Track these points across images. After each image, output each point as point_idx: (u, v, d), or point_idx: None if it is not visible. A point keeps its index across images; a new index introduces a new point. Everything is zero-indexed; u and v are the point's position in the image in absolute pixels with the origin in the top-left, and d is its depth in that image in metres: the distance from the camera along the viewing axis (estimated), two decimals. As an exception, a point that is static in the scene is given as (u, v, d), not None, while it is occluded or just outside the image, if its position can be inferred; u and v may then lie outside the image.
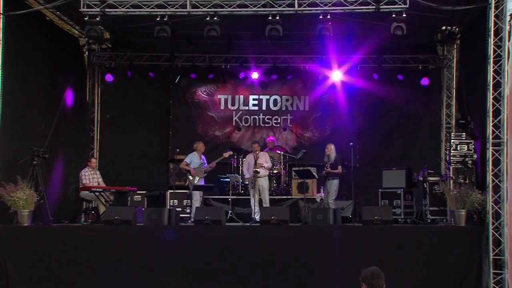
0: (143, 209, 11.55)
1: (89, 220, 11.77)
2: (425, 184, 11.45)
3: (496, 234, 9.25)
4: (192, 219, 11.52)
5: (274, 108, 15.09)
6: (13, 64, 10.56)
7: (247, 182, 12.72)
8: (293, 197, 13.18)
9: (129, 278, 9.69)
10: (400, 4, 9.91)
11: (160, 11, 10.35)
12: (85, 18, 10.48)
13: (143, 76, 14.69)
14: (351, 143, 12.48)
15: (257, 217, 11.43)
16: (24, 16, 10.52)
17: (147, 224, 10.34)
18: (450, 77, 14.15)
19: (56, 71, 12.42)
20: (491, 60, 9.49)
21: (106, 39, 13.39)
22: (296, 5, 10.07)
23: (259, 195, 12.04)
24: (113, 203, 11.55)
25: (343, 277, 9.14)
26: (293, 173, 13.26)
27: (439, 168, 13.31)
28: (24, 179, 10.08)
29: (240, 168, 13.48)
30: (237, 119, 15.07)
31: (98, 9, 10.25)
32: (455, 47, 13.83)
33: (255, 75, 14.59)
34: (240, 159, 13.61)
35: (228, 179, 13.34)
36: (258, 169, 11.93)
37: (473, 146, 10.93)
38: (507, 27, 9.41)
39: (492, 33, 9.47)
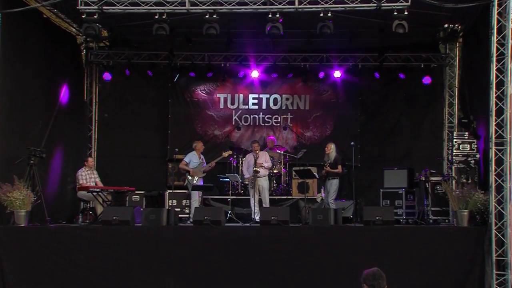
0: (142, 209, 11.49)
1: (87, 221, 11.68)
2: (427, 184, 11.35)
3: (499, 235, 9.13)
4: (191, 220, 11.41)
5: (274, 107, 14.98)
6: (10, 63, 10.49)
7: (246, 182, 12.65)
8: (293, 197, 13.12)
9: (128, 279, 9.58)
10: (401, 2, 9.80)
11: (158, 9, 10.24)
12: (83, 16, 10.35)
13: (141, 75, 14.59)
14: (352, 143, 12.42)
15: (257, 218, 11.36)
16: (20, 14, 10.42)
17: (145, 225, 10.24)
18: (452, 75, 14.06)
19: (53, 69, 12.32)
20: (494, 59, 9.36)
21: (104, 37, 13.37)
22: (296, 2, 9.99)
23: (259, 195, 11.97)
24: (111, 203, 11.45)
25: (344, 278, 9.03)
26: (294, 173, 13.18)
27: (441, 168, 13.20)
28: (21, 179, 9.99)
29: (240, 168, 13.40)
30: (237, 118, 14.97)
31: (95, 7, 10.13)
32: (457, 45, 13.75)
33: (255, 74, 14.47)
34: (240, 159, 13.52)
35: (228, 179, 13.26)
36: (258, 169, 11.85)
37: (475, 146, 10.87)
38: (511, 25, 9.28)
39: (495, 31, 9.34)
